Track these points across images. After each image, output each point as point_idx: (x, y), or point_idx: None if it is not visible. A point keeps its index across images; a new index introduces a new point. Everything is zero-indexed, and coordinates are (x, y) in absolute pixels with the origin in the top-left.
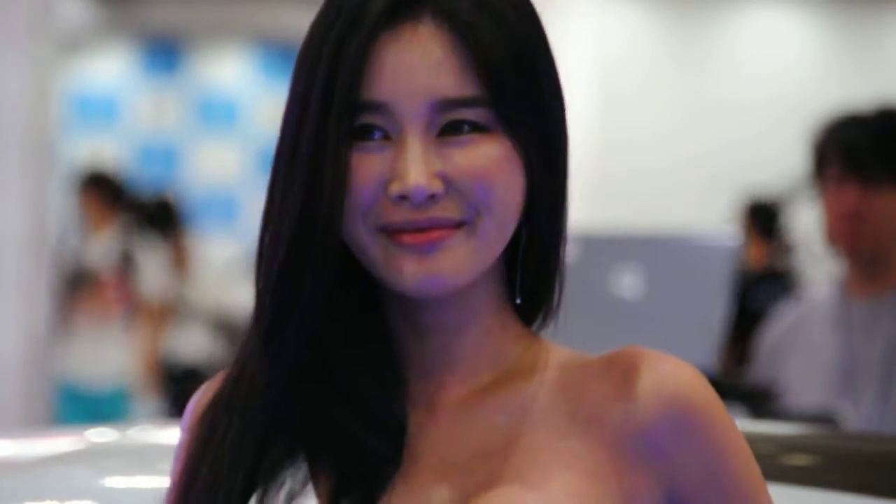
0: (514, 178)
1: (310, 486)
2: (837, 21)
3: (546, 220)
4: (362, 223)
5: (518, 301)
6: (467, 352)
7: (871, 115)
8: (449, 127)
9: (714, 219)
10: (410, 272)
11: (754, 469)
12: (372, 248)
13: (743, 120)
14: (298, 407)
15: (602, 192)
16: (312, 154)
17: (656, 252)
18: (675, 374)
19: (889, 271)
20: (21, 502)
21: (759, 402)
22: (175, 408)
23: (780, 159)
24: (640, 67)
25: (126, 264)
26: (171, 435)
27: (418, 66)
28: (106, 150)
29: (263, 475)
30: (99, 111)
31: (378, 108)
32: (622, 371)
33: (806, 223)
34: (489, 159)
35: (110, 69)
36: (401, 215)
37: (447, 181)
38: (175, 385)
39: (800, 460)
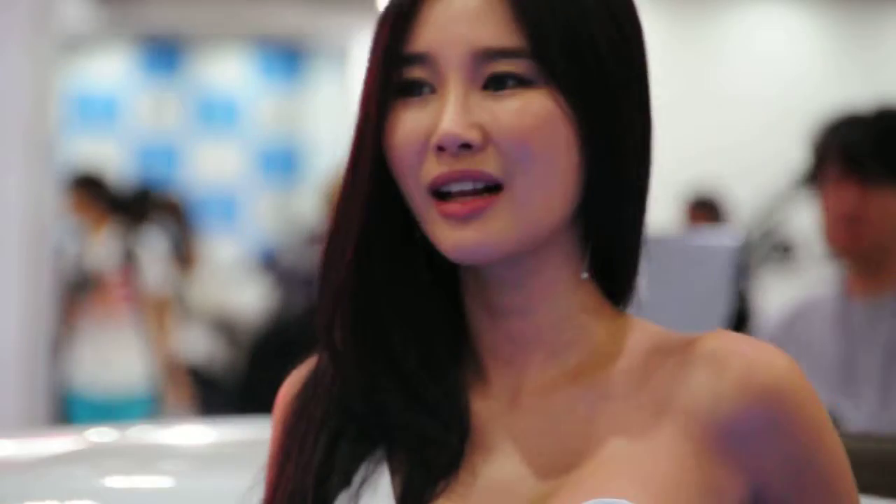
0: (559, 136)
1: (386, 478)
2: (837, 21)
3: (612, 190)
4: (414, 183)
5: (584, 276)
6: (545, 334)
7: (870, 115)
8: (493, 80)
9: None
10: (453, 239)
11: (846, 468)
12: (423, 212)
13: (742, 119)
14: (372, 396)
15: None
16: (364, 110)
17: (656, 252)
18: (767, 361)
19: (889, 272)
20: (21, 502)
21: None
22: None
23: (779, 159)
24: None
25: (129, 262)
26: (171, 435)
27: (460, 16)
28: (106, 150)
29: (342, 469)
30: (99, 111)
31: (421, 59)
32: (709, 358)
33: (806, 223)
34: (528, 114)
35: (110, 69)
36: (439, 168)
37: (486, 134)
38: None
39: None
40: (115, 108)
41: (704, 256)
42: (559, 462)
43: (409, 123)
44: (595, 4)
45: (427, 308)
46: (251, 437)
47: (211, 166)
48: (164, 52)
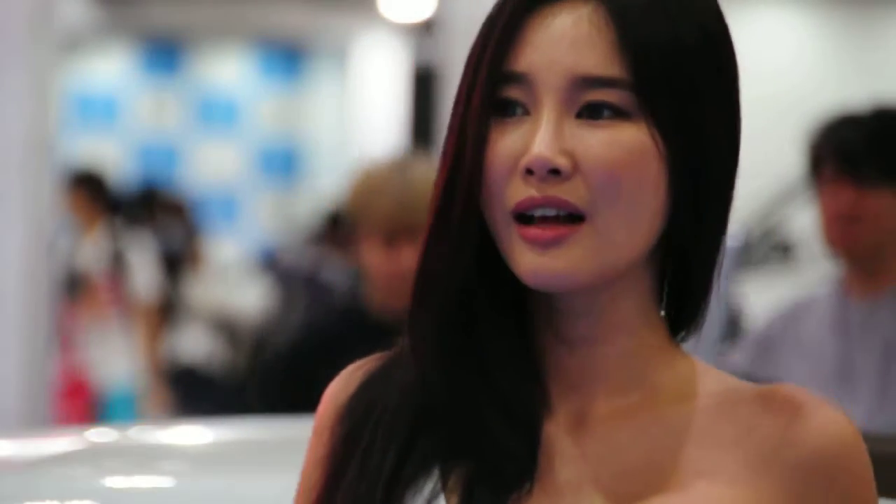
0: (648, 171)
1: (441, 495)
2: (837, 22)
3: (692, 227)
4: (498, 204)
5: (662, 313)
6: (612, 366)
7: (865, 114)
8: (589, 109)
9: None
10: (532, 265)
11: None
12: (504, 235)
13: (742, 119)
14: (440, 411)
15: None
16: (458, 125)
17: None
18: (840, 428)
19: (886, 271)
20: (21, 502)
21: None
22: (176, 408)
23: (779, 159)
24: None
25: (117, 265)
26: (171, 435)
27: (563, 39)
28: (106, 150)
29: (403, 481)
30: (99, 111)
31: (519, 78)
32: (784, 411)
33: (806, 223)
34: (621, 147)
35: (110, 69)
36: (525, 191)
37: (575, 163)
38: (175, 385)
39: None
40: (116, 108)
41: None
42: (619, 489)
43: (501, 143)
44: (700, 39)
45: (505, 326)
46: (251, 437)
47: (211, 166)
48: (164, 52)
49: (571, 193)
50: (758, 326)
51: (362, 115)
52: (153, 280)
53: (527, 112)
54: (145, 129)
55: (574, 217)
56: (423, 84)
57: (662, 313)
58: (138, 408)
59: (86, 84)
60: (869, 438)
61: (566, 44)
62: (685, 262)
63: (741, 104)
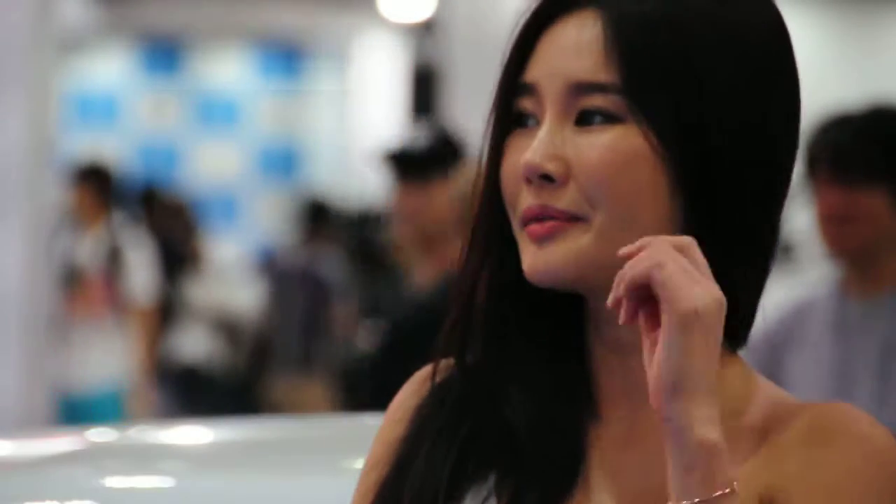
0: (644, 175)
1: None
2: (836, 21)
3: (724, 241)
4: (513, 213)
5: None
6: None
7: (859, 115)
8: (583, 115)
9: None
10: (529, 261)
11: None
12: (519, 240)
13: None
14: (490, 421)
15: None
16: (484, 139)
17: None
18: (886, 458)
19: (883, 271)
20: (21, 502)
21: None
22: (176, 408)
23: None
24: None
25: (113, 263)
26: (171, 435)
27: (565, 49)
28: (106, 149)
29: (452, 490)
30: (99, 111)
31: (529, 90)
32: (836, 435)
33: (806, 223)
34: (612, 151)
35: (110, 69)
36: (528, 200)
37: (568, 169)
38: (175, 385)
39: None
40: (116, 108)
41: None
42: (664, 502)
43: (514, 154)
44: (712, 34)
45: (554, 336)
46: (251, 437)
47: (211, 166)
48: (164, 52)
49: (566, 200)
50: (758, 327)
51: (362, 115)
52: (150, 281)
53: (538, 122)
54: (145, 129)
55: (574, 217)
56: (423, 84)
57: None
58: (125, 410)
59: (86, 84)
60: None
61: (566, 53)
62: (726, 278)
63: (776, 104)
